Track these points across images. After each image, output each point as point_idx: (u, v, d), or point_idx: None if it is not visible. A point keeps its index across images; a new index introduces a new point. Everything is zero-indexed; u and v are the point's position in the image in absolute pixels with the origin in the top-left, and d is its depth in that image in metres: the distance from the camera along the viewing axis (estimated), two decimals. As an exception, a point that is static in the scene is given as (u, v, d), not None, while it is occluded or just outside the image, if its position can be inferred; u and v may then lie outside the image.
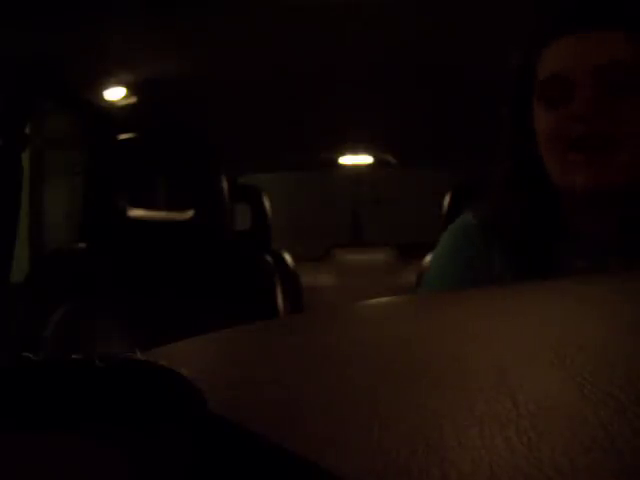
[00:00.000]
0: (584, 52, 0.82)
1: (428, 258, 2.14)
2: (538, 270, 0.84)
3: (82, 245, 1.64)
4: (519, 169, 0.90)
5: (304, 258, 3.14)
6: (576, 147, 0.80)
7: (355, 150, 2.96)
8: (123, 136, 1.69)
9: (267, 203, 2.60)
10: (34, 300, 1.54)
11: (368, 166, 3.19)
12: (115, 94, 2.03)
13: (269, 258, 1.68)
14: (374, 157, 3.07)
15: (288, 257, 2.56)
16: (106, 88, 1.98)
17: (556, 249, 0.86)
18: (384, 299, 0.50)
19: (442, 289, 0.91)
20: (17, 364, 0.24)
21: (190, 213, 1.60)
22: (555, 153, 0.84)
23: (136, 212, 1.60)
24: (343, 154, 3.04)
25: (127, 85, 1.98)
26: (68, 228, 2.63)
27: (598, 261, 0.83)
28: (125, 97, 2.05)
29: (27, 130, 1.77)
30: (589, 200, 0.83)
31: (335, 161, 3.13)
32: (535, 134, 0.87)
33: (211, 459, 0.22)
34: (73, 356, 0.24)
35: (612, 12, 0.83)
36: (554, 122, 0.83)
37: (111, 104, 2.08)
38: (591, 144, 0.80)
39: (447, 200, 2.18)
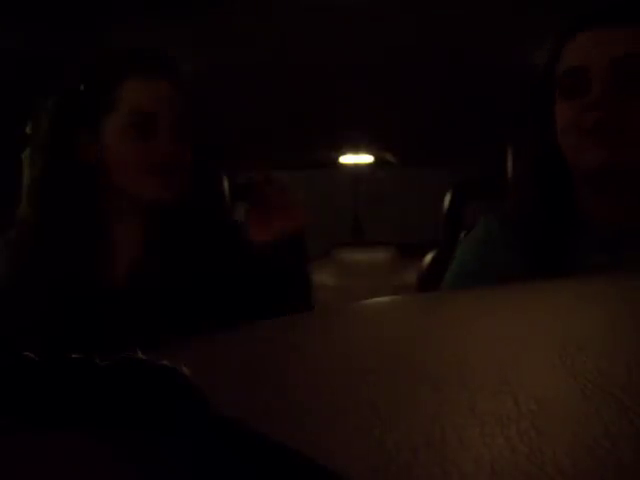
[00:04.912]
0: (601, 46, 0.85)
1: (428, 258, 2.14)
2: (555, 268, 0.86)
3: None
4: (540, 164, 0.94)
5: (304, 258, 3.13)
6: (591, 134, 0.84)
7: (355, 149, 2.96)
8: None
9: (267, 203, 2.59)
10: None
11: (368, 165, 3.19)
12: (115, 94, 2.02)
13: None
14: (374, 156, 3.06)
15: (288, 257, 2.54)
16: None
17: (573, 246, 0.88)
18: (384, 299, 0.50)
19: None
20: (17, 364, 0.24)
21: (190, 213, 1.59)
22: (571, 140, 0.87)
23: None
24: (343, 153, 3.04)
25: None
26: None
27: (614, 256, 0.85)
28: (125, 97, 2.04)
29: (27, 130, 1.77)
30: (603, 182, 0.86)
31: (335, 160, 3.12)
32: (556, 128, 0.91)
33: (212, 458, 0.22)
34: (73, 356, 0.24)
35: (627, 8, 0.86)
36: (571, 112, 0.87)
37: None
38: (605, 131, 0.83)
39: (447, 199, 2.18)
